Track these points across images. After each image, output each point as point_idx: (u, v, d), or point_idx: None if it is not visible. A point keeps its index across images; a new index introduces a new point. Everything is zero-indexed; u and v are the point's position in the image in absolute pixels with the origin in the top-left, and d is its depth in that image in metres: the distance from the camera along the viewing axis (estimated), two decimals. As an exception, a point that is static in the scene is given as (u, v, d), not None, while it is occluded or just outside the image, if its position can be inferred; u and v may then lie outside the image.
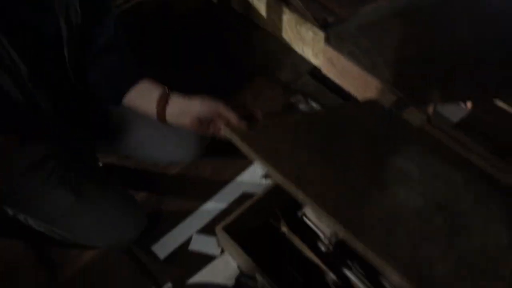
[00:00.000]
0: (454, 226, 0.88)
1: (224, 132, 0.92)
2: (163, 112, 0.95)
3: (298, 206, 1.37)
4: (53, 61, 0.97)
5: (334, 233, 1.28)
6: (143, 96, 0.98)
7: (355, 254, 1.25)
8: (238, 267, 1.31)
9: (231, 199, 1.49)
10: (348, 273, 1.27)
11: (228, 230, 1.25)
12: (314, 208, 0.77)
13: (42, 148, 1.12)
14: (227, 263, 1.34)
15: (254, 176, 1.54)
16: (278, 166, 0.82)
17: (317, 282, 1.28)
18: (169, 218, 1.48)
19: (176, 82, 1.03)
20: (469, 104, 1.66)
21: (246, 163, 1.57)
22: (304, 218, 1.32)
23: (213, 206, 1.48)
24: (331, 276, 1.26)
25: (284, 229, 1.32)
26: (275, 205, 1.40)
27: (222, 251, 1.37)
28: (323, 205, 0.77)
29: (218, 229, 1.25)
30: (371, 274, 1.26)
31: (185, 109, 0.93)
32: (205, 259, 1.37)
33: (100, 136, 1.28)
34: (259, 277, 0.79)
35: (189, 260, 1.38)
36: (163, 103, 0.95)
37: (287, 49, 1.90)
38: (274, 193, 1.30)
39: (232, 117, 0.90)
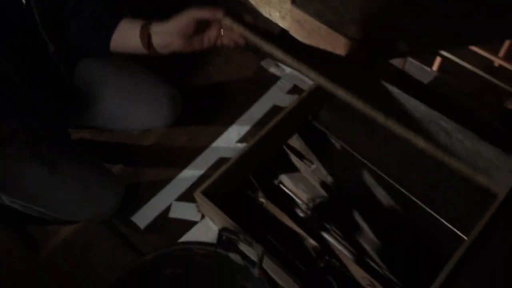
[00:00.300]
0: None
1: (228, 22, 0.86)
2: (149, 44, 0.93)
3: (275, 174, 1.38)
4: (23, 28, 0.94)
5: (311, 198, 1.30)
6: (125, 36, 0.95)
7: (332, 217, 1.29)
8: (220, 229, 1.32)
9: (207, 165, 1.50)
10: (326, 236, 1.28)
11: (206, 194, 1.26)
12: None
13: (11, 122, 1.09)
14: (207, 227, 1.36)
15: (229, 141, 1.54)
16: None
17: (295, 249, 1.28)
18: (147, 188, 1.48)
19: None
20: (434, 67, 1.70)
21: (220, 129, 1.57)
22: (281, 186, 1.33)
23: (190, 173, 1.48)
24: (311, 241, 1.26)
25: (261, 199, 1.33)
26: (251, 169, 1.40)
27: (203, 217, 1.38)
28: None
29: (197, 194, 1.25)
30: (349, 236, 1.28)
31: (167, 30, 0.90)
32: (186, 226, 1.38)
33: (69, 108, 1.26)
34: (241, 235, 0.80)
35: (169, 228, 1.39)
36: (145, 35, 0.92)
37: (254, 13, 1.88)
38: (249, 156, 1.31)
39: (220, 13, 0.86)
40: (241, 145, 1.52)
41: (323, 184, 1.31)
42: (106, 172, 1.25)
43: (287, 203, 1.32)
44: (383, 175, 1.29)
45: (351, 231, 1.27)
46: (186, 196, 1.44)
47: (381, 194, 1.27)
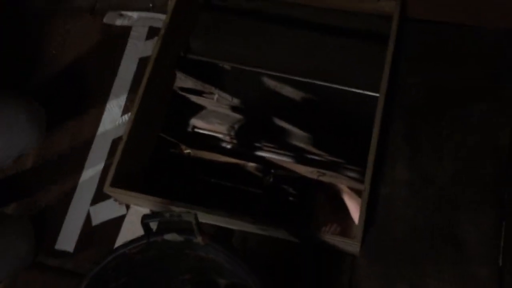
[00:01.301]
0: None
1: None
2: None
3: (184, 122, 1.30)
4: None
5: (230, 126, 1.27)
6: None
7: (258, 134, 1.28)
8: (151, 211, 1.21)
9: (104, 154, 1.33)
10: (261, 153, 1.26)
11: (116, 185, 1.12)
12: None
13: None
14: (138, 214, 1.24)
15: (114, 119, 1.37)
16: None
17: (242, 179, 1.28)
18: (55, 209, 1.30)
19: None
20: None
21: (98, 110, 1.38)
22: (196, 130, 1.29)
23: (91, 171, 1.32)
24: (250, 165, 1.26)
25: (186, 151, 1.27)
26: (152, 131, 1.28)
27: (128, 206, 1.25)
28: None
29: (107, 189, 1.12)
30: (282, 143, 1.26)
31: None
32: (116, 224, 1.25)
33: None
34: (165, 213, 0.70)
35: (100, 236, 1.26)
36: None
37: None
38: (141, 122, 1.17)
39: None
40: (127, 117, 1.36)
41: (233, 108, 1.27)
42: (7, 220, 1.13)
43: (211, 142, 1.30)
44: (282, 75, 1.25)
45: (281, 138, 1.26)
46: (100, 196, 1.28)
47: (289, 91, 1.25)
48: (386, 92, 1.09)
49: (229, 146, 1.29)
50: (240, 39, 1.29)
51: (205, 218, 1.04)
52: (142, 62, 1.40)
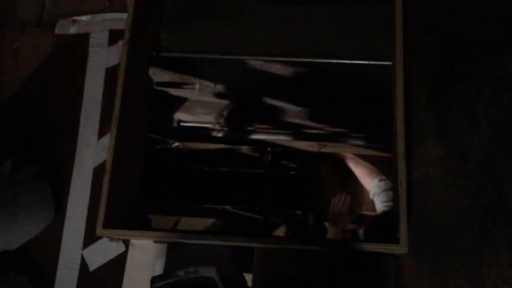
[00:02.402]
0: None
1: None
2: None
3: (169, 118, 1.21)
4: None
5: (217, 115, 1.20)
6: None
7: (249, 117, 1.20)
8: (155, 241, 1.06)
9: (87, 188, 1.15)
10: (256, 136, 1.20)
11: (109, 223, 0.96)
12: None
13: None
14: (141, 247, 1.08)
15: (91, 145, 1.19)
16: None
17: (240, 163, 1.25)
18: (46, 266, 1.13)
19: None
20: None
21: (69, 141, 1.20)
22: (182, 124, 1.22)
23: (76, 211, 1.14)
24: (245, 148, 1.23)
25: (174, 145, 1.21)
26: (138, 144, 1.12)
27: (126, 241, 1.09)
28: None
29: (99, 232, 0.95)
30: (276, 122, 1.19)
31: None
32: (118, 264, 1.10)
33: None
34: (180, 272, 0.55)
35: (102, 280, 1.09)
36: None
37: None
38: (123, 141, 1.00)
39: None
40: (105, 146, 1.17)
41: (218, 95, 1.18)
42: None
43: (199, 134, 1.24)
44: (272, 58, 1.13)
45: (275, 117, 1.20)
46: (91, 237, 1.11)
47: (277, 68, 1.14)
48: (403, 53, 0.92)
49: (220, 135, 1.23)
50: (216, 23, 1.14)
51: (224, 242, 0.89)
52: (110, 72, 1.22)
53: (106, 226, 0.96)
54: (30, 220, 1.11)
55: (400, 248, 0.83)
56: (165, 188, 1.27)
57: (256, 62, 1.16)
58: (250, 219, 1.38)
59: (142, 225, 1.21)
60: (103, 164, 1.04)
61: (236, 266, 1.04)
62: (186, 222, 1.42)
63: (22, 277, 1.12)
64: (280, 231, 1.42)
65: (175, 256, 1.06)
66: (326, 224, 1.28)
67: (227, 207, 1.34)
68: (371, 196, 1.20)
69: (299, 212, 1.35)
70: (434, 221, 0.94)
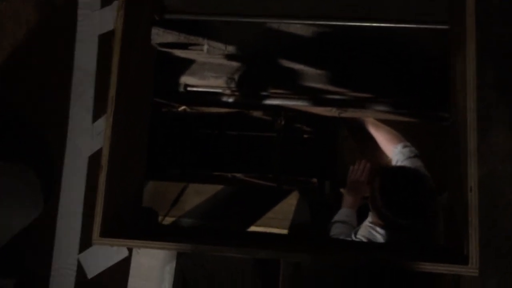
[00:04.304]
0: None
1: None
2: None
3: (175, 82, 1.11)
4: None
5: (228, 78, 1.10)
6: None
7: (262, 81, 1.13)
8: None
9: (82, 179, 0.98)
10: (270, 101, 1.10)
11: (107, 231, 0.80)
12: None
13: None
14: (147, 252, 0.93)
15: (84, 128, 1.01)
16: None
17: (253, 127, 1.21)
18: (37, 270, 0.98)
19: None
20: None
21: (60, 123, 1.01)
22: (189, 89, 1.12)
23: (70, 206, 0.98)
24: (257, 113, 1.17)
25: (181, 108, 1.16)
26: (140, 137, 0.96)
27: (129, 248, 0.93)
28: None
29: (96, 241, 0.80)
30: (291, 86, 1.11)
31: None
32: (120, 270, 0.94)
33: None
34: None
35: (105, 287, 0.95)
36: None
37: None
38: (123, 129, 0.83)
39: None
40: (99, 129, 0.99)
41: (229, 57, 1.08)
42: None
43: (208, 99, 1.14)
44: (293, 21, 1.00)
45: (292, 81, 1.11)
46: (89, 237, 0.95)
47: (297, 28, 1.05)
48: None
49: (231, 100, 1.13)
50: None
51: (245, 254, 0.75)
52: (104, 39, 1.03)
53: (103, 234, 0.80)
54: (13, 213, 0.95)
55: (470, 270, 0.67)
56: (171, 153, 1.23)
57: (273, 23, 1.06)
58: (262, 187, 1.35)
59: (149, 221, 1.06)
60: (99, 152, 0.87)
61: (259, 275, 0.89)
62: (194, 189, 1.41)
63: (7, 280, 0.97)
64: (294, 198, 1.42)
65: (186, 261, 0.91)
66: (343, 191, 1.24)
67: (238, 174, 1.30)
68: (393, 163, 1.15)
69: (314, 180, 1.33)
70: (504, 228, 0.78)
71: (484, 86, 0.82)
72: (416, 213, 0.88)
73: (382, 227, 0.96)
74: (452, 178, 0.80)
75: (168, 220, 1.36)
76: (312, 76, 1.12)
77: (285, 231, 1.44)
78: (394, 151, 1.14)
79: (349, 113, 1.15)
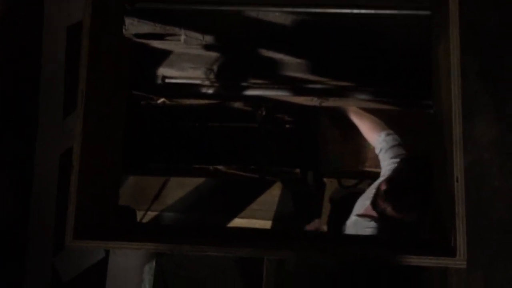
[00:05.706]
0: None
1: None
2: None
3: (152, 75, 1.09)
4: None
5: (207, 69, 1.10)
6: None
7: (241, 72, 1.12)
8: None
9: (53, 179, 0.94)
10: (250, 92, 1.09)
11: (82, 233, 0.77)
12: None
13: None
14: (124, 252, 0.89)
15: (55, 124, 0.96)
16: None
17: (232, 119, 1.21)
18: (10, 275, 0.93)
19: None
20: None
21: (28, 119, 0.96)
22: (167, 80, 1.11)
23: (42, 206, 0.93)
24: (237, 104, 1.18)
25: (159, 101, 1.12)
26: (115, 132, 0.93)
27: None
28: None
29: (70, 243, 0.77)
30: (271, 76, 1.10)
31: None
32: (96, 272, 0.90)
33: None
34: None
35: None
36: None
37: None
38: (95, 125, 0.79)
39: None
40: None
41: (207, 47, 1.08)
42: None
43: (187, 91, 1.13)
44: (270, 9, 1.00)
45: (272, 71, 1.11)
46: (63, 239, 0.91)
47: (276, 16, 1.03)
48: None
49: (210, 91, 1.12)
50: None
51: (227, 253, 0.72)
52: (73, 31, 0.97)
53: (78, 235, 0.76)
54: None
55: (458, 263, 0.66)
56: (151, 147, 1.21)
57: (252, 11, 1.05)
58: (245, 179, 1.35)
59: (127, 220, 1.02)
60: (71, 150, 0.82)
61: (241, 273, 0.87)
62: (176, 182, 1.41)
63: None
64: (277, 188, 1.45)
65: (166, 260, 0.88)
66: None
67: (220, 167, 1.28)
68: (377, 151, 1.14)
69: (297, 170, 1.32)
70: (490, 217, 0.77)
71: (468, 75, 0.80)
72: (421, 207, 0.87)
73: (372, 219, 0.95)
74: (437, 167, 0.78)
75: (150, 214, 1.34)
76: (292, 65, 1.12)
77: (269, 222, 1.43)
78: (378, 139, 1.13)
79: (331, 102, 1.15)
